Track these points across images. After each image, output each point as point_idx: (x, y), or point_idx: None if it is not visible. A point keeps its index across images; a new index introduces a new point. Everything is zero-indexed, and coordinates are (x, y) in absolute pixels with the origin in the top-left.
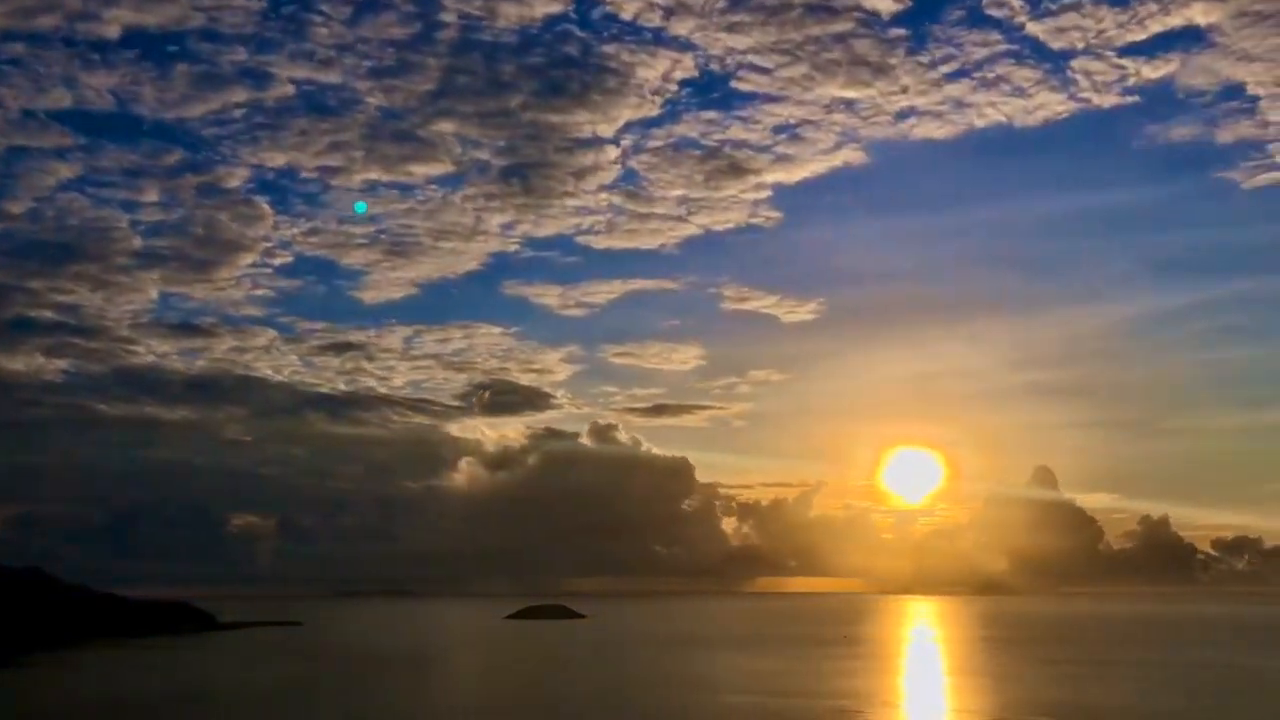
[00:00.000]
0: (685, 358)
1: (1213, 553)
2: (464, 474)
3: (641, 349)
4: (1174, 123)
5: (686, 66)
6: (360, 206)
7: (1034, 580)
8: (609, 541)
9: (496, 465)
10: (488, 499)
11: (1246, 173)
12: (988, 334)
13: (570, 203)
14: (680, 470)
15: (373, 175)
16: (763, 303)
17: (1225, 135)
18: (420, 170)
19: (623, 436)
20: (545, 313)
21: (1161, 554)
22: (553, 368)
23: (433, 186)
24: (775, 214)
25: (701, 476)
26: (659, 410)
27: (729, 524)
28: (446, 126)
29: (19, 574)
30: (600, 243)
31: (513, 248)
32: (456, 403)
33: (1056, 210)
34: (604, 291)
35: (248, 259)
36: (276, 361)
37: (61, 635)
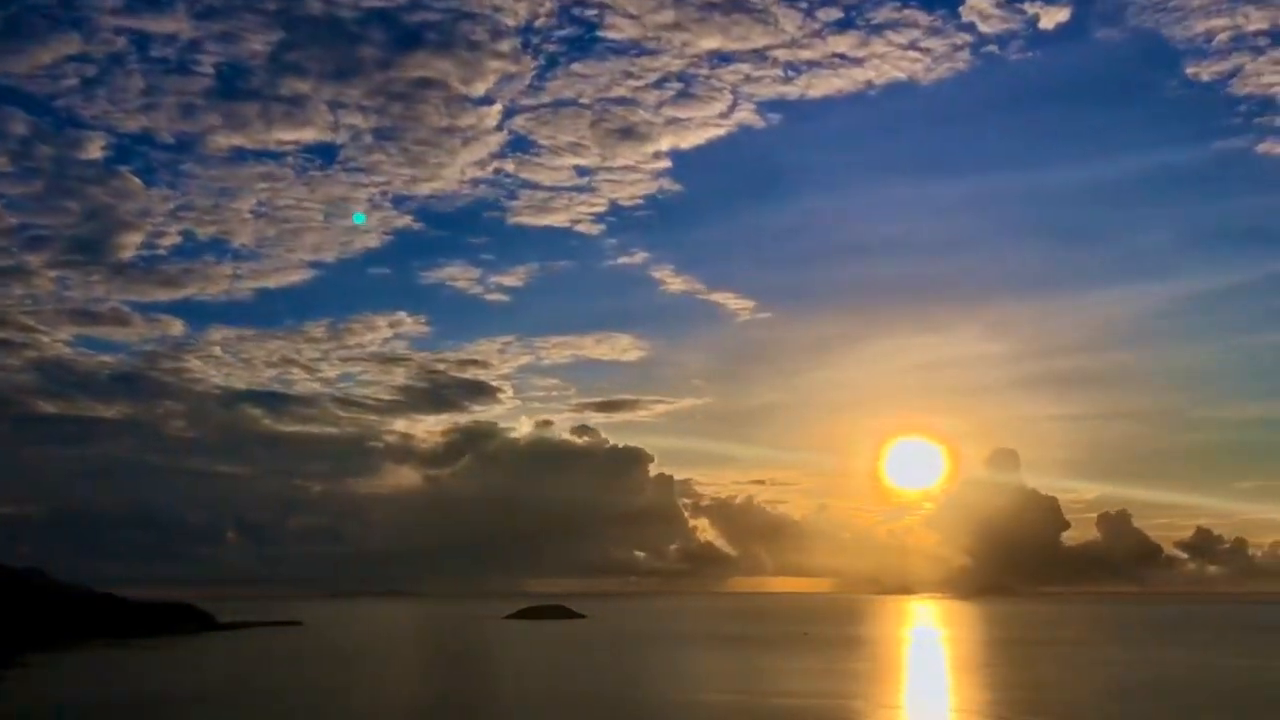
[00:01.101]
0: (627, 347)
1: (1179, 553)
2: (411, 473)
3: (580, 339)
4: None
5: (550, 10)
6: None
7: (1001, 579)
8: (568, 541)
9: (440, 463)
10: (443, 498)
11: None
12: (960, 323)
13: (459, 172)
14: (639, 466)
15: (237, 141)
16: (696, 287)
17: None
18: (287, 135)
19: (577, 432)
20: (467, 299)
21: (1130, 551)
22: (489, 359)
23: (306, 155)
24: (678, 186)
25: (656, 469)
26: (614, 405)
27: (697, 522)
28: (302, 85)
29: (19, 574)
30: (508, 219)
31: (412, 224)
32: (395, 398)
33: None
34: (521, 274)
35: (136, 239)
36: (200, 353)
37: (60, 635)
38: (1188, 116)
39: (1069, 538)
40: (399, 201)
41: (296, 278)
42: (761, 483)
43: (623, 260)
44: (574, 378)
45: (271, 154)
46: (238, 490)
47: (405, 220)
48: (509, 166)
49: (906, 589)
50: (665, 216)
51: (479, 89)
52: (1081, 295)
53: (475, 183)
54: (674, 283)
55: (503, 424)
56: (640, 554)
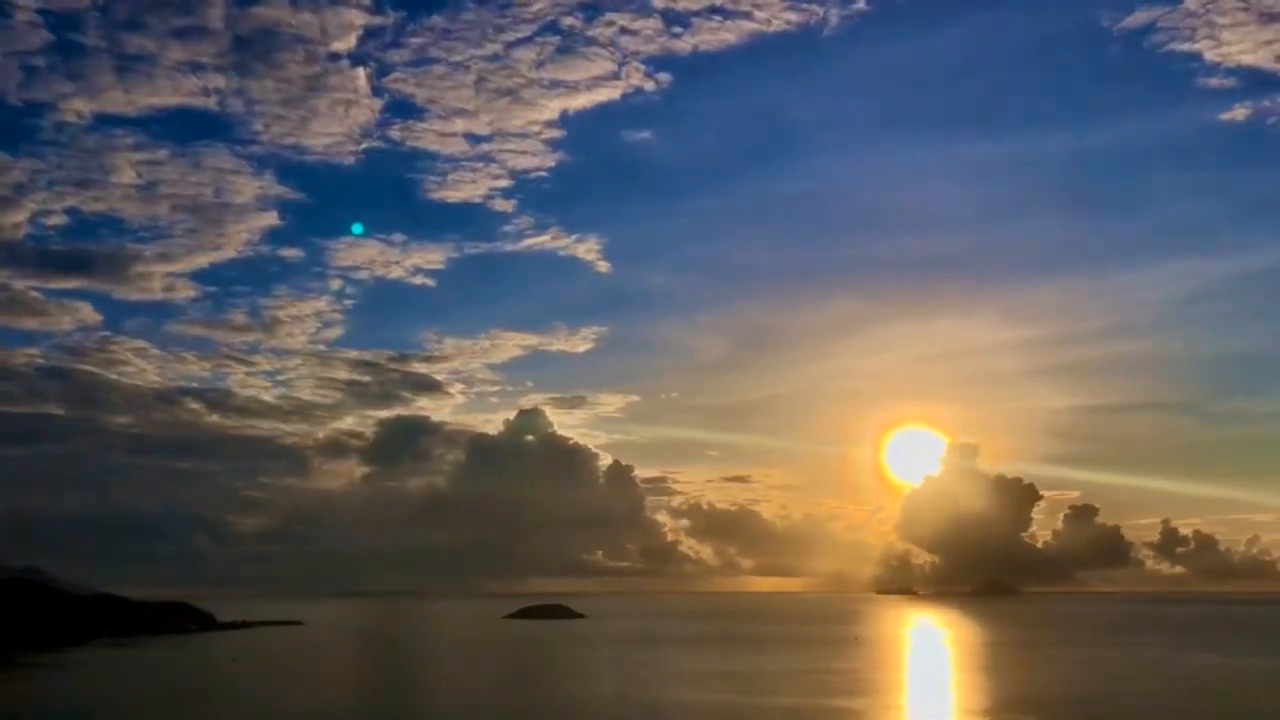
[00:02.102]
0: (584, 340)
1: (1144, 552)
2: (355, 470)
3: (531, 330)
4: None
5: None
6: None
7: (974, 578)
8: (527, 542)
9: (378, 460)
10: (409, 498)
11: None
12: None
13: (347, 140)
14: (612, 466)
15: (97, 106)
16: (631, 271)
17: None
18: (142, 100)
19: (547, 429)
20: (389, 284)
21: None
22: (427, 347)
23: (173, 121)
24: (575, 156)
25: (616, 465)
26: (575, 401)
27: (667, 521)
28: (146, 43)
29: (18, 574)
30: (415, 193)
31: (308, 200)
32: (334, 396)
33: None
34: (441, 255)
35: (19, 216)
36: (126, 346)
37: (63, 634)
38: (1236, 72)
39: (1051, 535)
40: (288, 174)
41: (204, 260)
42: (742, 480)
43: (547, 243)
44: (527, 372)
45: (134, 121)
46: (191, 489)
47: (300, 195)
48: (395, 134)
49: (883, 588)
50: (575, 191)
51: (343, 45)
52: (1108, 275)
53: (368, 154)
54: (602, 265)
55: (451, 421)
56: (603, 554)
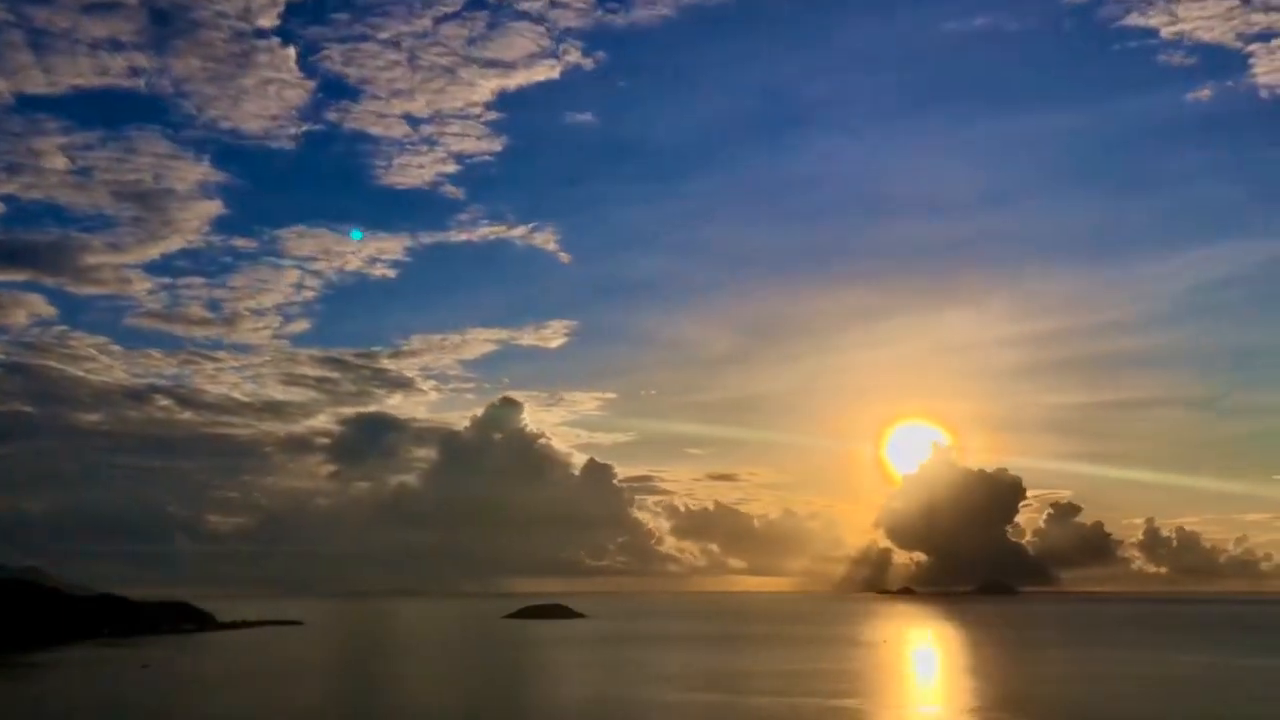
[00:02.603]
0: (555, 334)
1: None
2: (346, 470)
3: (500, 325)
4: None
5: None
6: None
7: (962, 577)
8: (521, 541)
9: (374, 459)
10: (386, 499)
11: None
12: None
13: (283, 123)
14: (593, 465)
15: (16, 86)
16: (600, 261)
17: None
18: (65, 79)
19: (521, 424)
20: (350, 275)
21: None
22: (395, 342)
23: (99, 103)
24: (518, 140)
25: (591, 459)
26: (553, 399)
27: (654, 519)
28: (56, 18)
29: (18, 574)
30: (362, 179)
31: (252, 185)
32: (311, 393)
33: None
34: (398, 245)
35: None
36: (85, 342)
37: (62, 634)
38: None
39: (1033, 534)
40: (227, 159)
41: (154, 251)
42: (729, 478)
43: (503, 233)
44: (501, 368)
45: (58, 103)
46: (168, 488)
47: (243, 182)
48: (333, 116)
49: (873, 588)
50: (522, 177)
51: (266, 21)
52: (1124, 263)
53: (308, 138)
54: (563, 256)
55: (426, 419)
56: (586, 553)
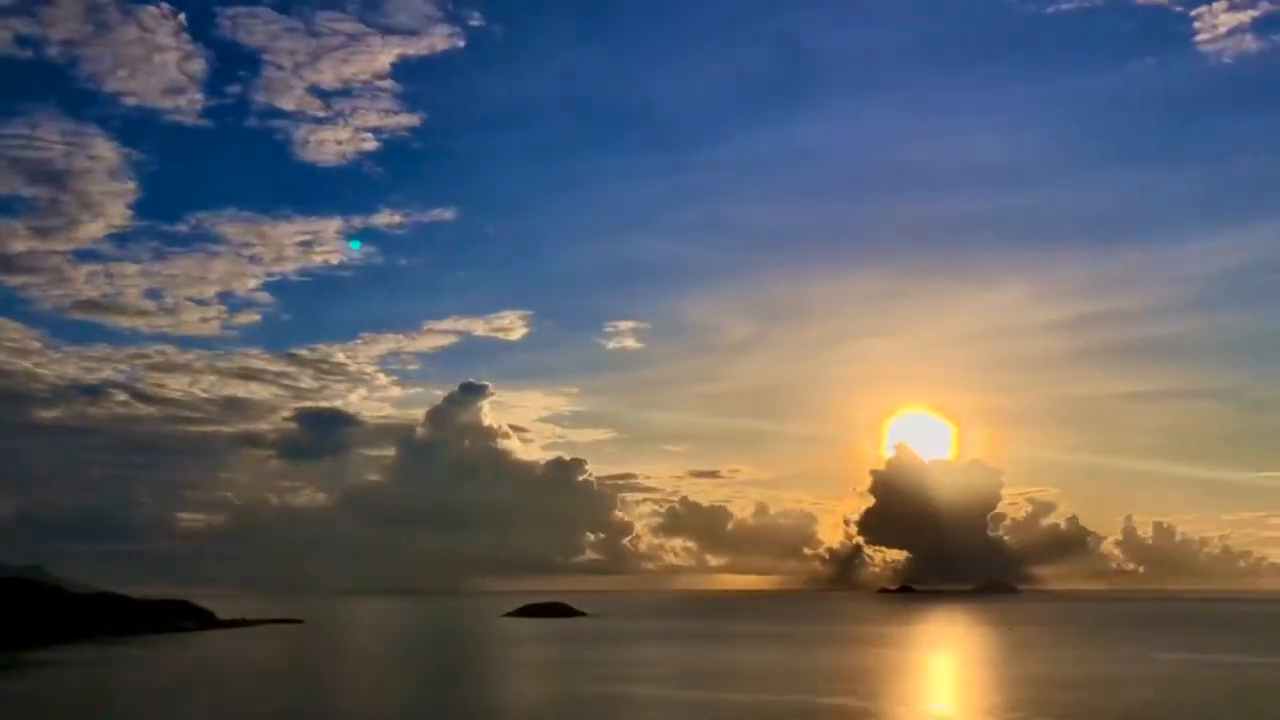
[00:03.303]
0: (515, 326)
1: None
2: (303, 468)
3: (458, 315)
4: None
5: None
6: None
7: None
8: (489, 541)
9: (330, 457)
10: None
11: None
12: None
13: (179, 99)
14: (564, 462)
15: None
16: (545, 246)
17: None
18: None
19: (484, 420)
20: (285, 261)
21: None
22: (347, 335)
23: None
24: (414, 118)
25: (550, 454)
26: (520, 392)
27: (635, 517)
28: None
29: (18, 572)
30: (283, 154)
31: (167, 166)
32: (271, 390)
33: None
34: (331, 229)
35: None
36: (28, 335)
37: (61, 632)
38: None
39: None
40: (134, 137)
41: (81, 237)
42: (713, 475)
43: (439, 216)
44: (462, 361)
45: None
46: (137, 485)
47: (157, 161)
48: (237, 90)
49: (855, 585)
50: (442, 155)
51: None
52: (1156, 243)
53: (216, 114)
54: (504, 239)
55: (377, 416)
56: (564, 551)
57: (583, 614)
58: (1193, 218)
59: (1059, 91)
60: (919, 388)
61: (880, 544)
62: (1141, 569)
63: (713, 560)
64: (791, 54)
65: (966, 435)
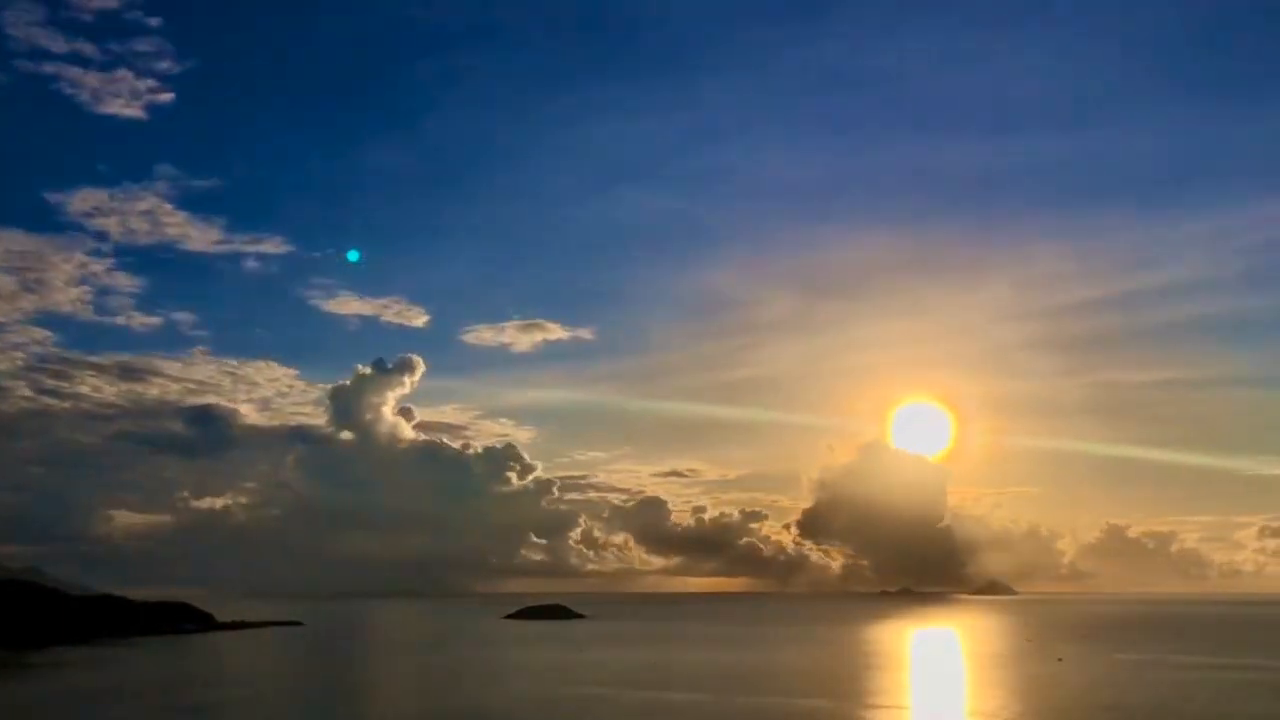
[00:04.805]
0: (411, 316)
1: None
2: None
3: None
4: None
5: None
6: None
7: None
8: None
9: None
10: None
11: None
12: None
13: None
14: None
15: None
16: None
17: None
18: None
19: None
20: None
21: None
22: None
23: None
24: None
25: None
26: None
27: (596, 524)
28: None
29: (17, 573)
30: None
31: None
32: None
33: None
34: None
35: None
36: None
37: (62, 634)
38: None
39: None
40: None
41: None
42: (679, 475)
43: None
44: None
45: None
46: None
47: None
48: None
49: (818, 589)
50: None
51: None
52: (1204, 210)
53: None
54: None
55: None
56: (494, 555)
57: (582, 616)
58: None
59: (1106, 16)
60: (925, 374)
61: (822, 543)
62: (1103, 572)
63: (662, 561)
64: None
65: (967, 427)
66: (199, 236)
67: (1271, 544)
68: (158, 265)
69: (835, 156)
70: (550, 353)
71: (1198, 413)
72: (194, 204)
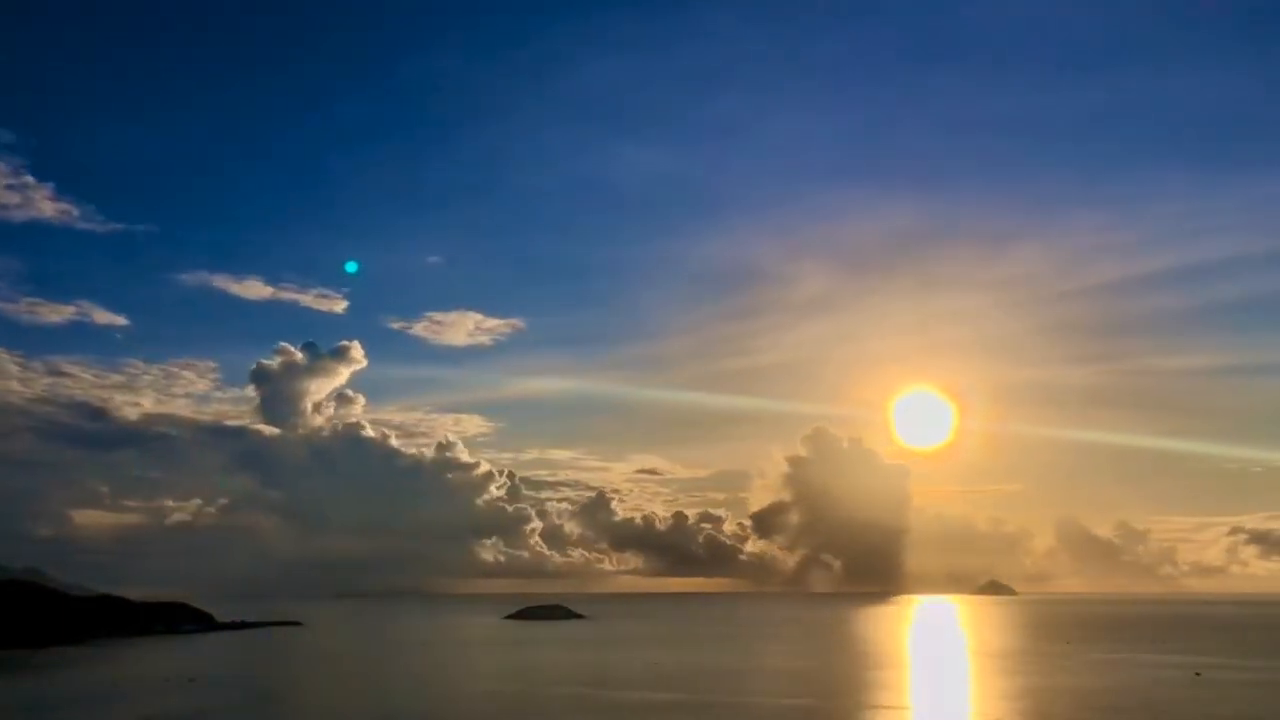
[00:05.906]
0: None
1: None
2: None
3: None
4: None
5: None
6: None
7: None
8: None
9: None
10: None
11: None
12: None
13: None
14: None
15: None
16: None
17: None
18: None
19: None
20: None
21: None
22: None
23: None
24: None
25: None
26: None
27: (564, 520)
28: None
29: (18, 574)
30: None
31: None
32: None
33: None
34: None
35: None
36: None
37: (63, 634)
38: None
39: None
40: None
41: None
42: (652, 472)
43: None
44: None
45: None
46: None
47: None
48: None
49: (797, 587)
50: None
51: None
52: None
53: None
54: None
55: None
56: (488, 554)
57: (581, 616)
58: None
59: None
60: (927, 361)
61: (778, 542)
62: (1073, 571)
63: (642, 564)
64: None
65: (968, 419)
66: None
67: None
68: None
69: (855, 105)
70: (505, 345)
71: (1229, 404)
72: None
